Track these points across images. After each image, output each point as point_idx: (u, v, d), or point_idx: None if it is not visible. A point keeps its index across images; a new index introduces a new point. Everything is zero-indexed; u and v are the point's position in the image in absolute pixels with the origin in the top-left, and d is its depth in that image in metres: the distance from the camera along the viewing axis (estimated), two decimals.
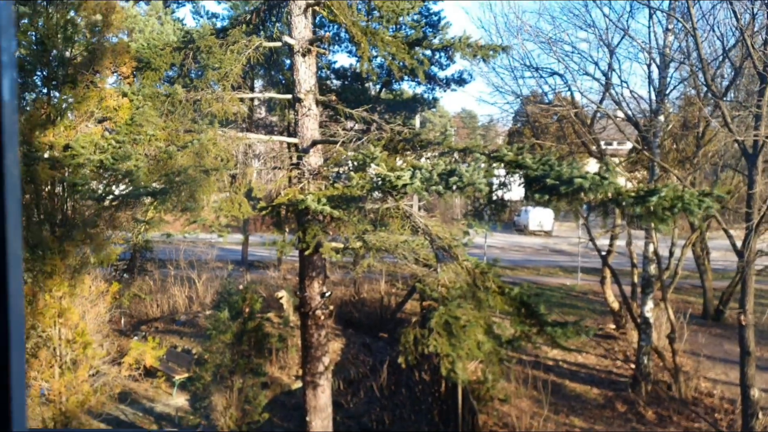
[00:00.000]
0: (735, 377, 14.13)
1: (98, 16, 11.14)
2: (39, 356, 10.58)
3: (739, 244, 13.70)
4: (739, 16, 12.76)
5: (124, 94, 10.70)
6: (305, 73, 10.36)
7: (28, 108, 11.30)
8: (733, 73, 14.91)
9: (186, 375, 14.61)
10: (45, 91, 11.41)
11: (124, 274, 20.08)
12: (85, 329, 10.88)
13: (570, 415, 14.29)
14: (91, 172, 10.18)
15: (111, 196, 10.96)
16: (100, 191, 10.79)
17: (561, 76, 16.87)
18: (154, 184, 10.07)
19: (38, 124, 10.59)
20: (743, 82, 16.93)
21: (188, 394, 14.43)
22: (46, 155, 10.67)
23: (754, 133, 12.69)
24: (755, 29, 13.31)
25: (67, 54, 11.20)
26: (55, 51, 11.03)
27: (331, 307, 12.32)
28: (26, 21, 10.90)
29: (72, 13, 11.07)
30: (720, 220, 14.41)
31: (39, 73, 11.46)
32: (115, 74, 12.20)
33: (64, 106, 10.96)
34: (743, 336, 12.82)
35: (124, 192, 10.77)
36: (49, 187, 11.14)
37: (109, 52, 11.07)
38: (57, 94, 11.12)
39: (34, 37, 11.03)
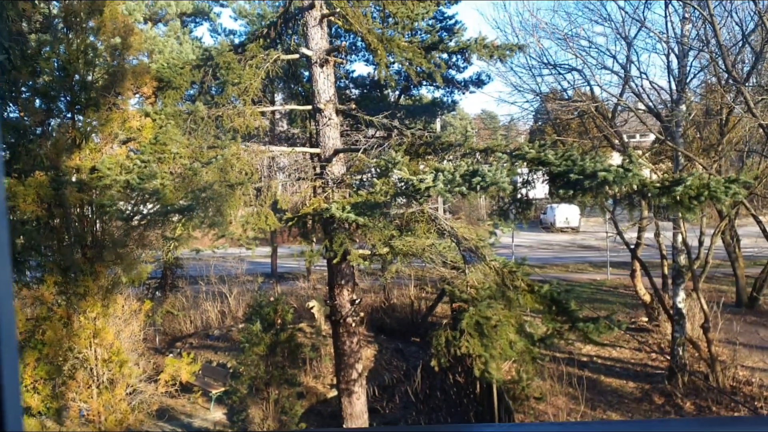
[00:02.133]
0: None
1: (117, 39, 11.33)
2: (76, 377, 10.75)
3: None
4: (757, 0, 12.60)
5: (147, 114, 10.87)
6: (324, 84, 10.46)
7: (54, 133, 11.52)
8: (753, 58, 14.68)
9: (222, 389, 14.73)
10: (69, 115, 11.60)
11: (156, 292, 20.33)
12: (120, 348, 11.03)
13: (607, 410, 14.14)
14: (118, 192, 10.31)
15: (139, 216, 11.11)
16: (128, 211, 10.94)
17: (579, 71, 16.76)
18: (180, 202, 10.18)
19: (64, 149, 10.77)
20: (765, 66, 16.66)
21: (225, 408, 14.56)
22: (73, 179, 10.86)
23: None
24: None
25: (89, 78, 11.38)
26: (77, 76, 11.22)
27: (362, 314, 12.36)
28: (48, 48, 11.13)
29: (92, 38, 11.27)
30: (748, 206, 14.21)
31: (63, 98, 11.66)
32: (137, 95, 12.39)
33: (88, 129, 11.15)
34: None
35: (151, 211, 10.91)
36: (78, 209, 11.32)
37: (129, 73, 11.24)
38: (81, 117, 11.30)
39: (56, 64, 11.24)
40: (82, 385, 10.66)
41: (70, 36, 11.07)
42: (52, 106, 11.73)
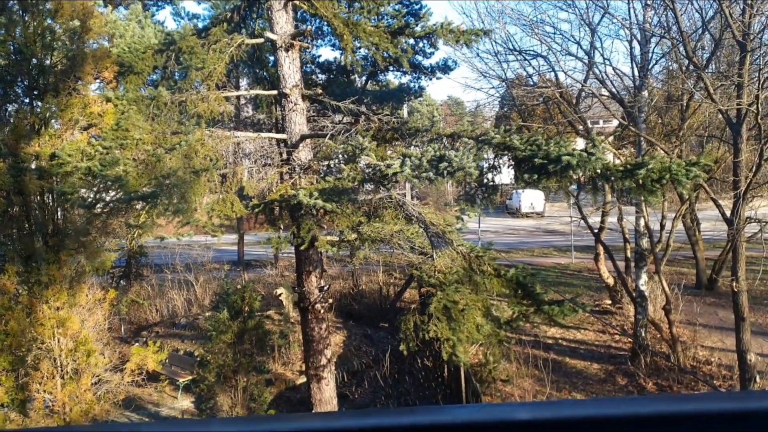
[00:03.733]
0: (731, 344, 14.29)
1: (76, 22, 11.01)
2: (40, 368, 10.55)
3: (728, 213, 13.82)
4: None
5: (108, 100, 10.63)
6: (290, 68, 10.36)
7: (11, 119, 11.20)
8: (713, 45, 14.98)
9: (189, 377, 14.61)
10: (27, 101, 11.28)
11: (121, 281, 20.01)
12: (87, 337, 10.85)
13: (572, 392, 14.44)
14: (79, 179, 10.09)
15: (102, 203, 10.90)
16: (90, 199, 10.71)
17: (544, 57, 16.92)
18: (144, 189, 10.01)
19: (22, 135, 10.48)
20: (724, 52, 17.02)
21: (193, 396, 14.44)
22: (32, 166, 10.59)
23: (737, 102, 12.79)
24: None
25: (48, 62, 11.06)
26: (34, 60, 10.89)
27: (331, 301, 12.39)
28: (2, 31, 10.77)
29: (49, 21, 10.93)
30: (708, 190, 14.55)
31: (20, 83, 11.32)
32: (97, 80, 12.08)
33: (47, 115, 10.85)
34: (737, 302, 12.97)
35: (114, 198, 10.71)
36: (38, 197, 11.05)
37: (89, 57, 10.95)
38: (39, 103, 11.00)
39: (12, 47, 10.89)
40: (47, 375, 10.47)
41: (27, 18, 10.72)
42: (8, 91, 11.39)
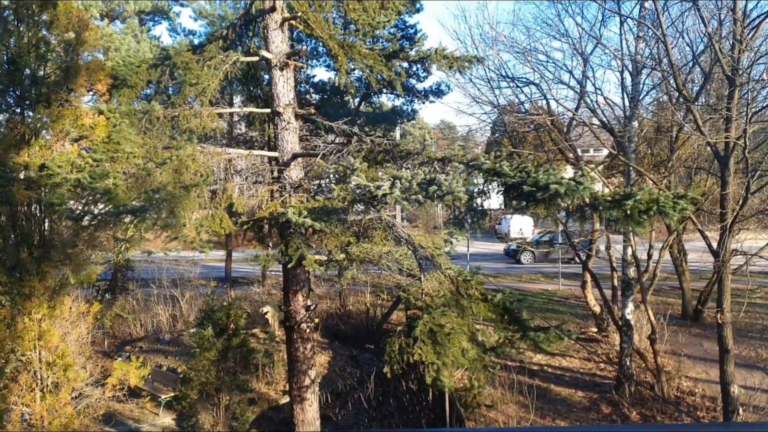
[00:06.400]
0: (715, 375, 14.31)
1: (71, 34, 11.03)
2: (19, 380, 10.39)
3: (714, 244, 13.91)
4: (707, 23, 13.03)
5: (101, 112, 10.60)
6: (284, 87, 10.41)
7: (1, 129, 11.15)
8: (703, 78, 15.18)
9: (172, 394, 14.44)
10: (18, 110, 11.24)
11: (106, 294, 19.84)
12: (66, 351, 10.71)
13: (556, 419, 14.37)
14: (68, 191, 10.02)
15: (90, 216, 10.81)
16: (78, 211, 10.63)
17: (537, 85, 17.04)
18: (133, 202, 9.96)
19: (12, 145, 10.43)
20: (713, 86, 17.24)
21: (174, 413, 14.27)
22: (21, 176, 10.53)
23: (725, 135, 12.92)
24: (723, 35, 13.58)
25: (41, 73, 11.06)
26: (27, 70, 10.88)
27: (317, 320, 12.33)
28: None
29: (44, 32, 10.95)
30: (695, 221, 14.63)
31: (11, 93, 11.29)
32: (90, 92, 12.07)
33: (38, 125, 10.81)
34: (722, 334, 13.00)
35: (103, 211, 10.64)
36: (25, 207, 10.97)
37: (83, 70, 10.95)
38: (31, 113, 10.97)
39: (5, 57, 10.88)
40: (25, 388, 10.30)
41: (21, 29, 10.73)
42: None
